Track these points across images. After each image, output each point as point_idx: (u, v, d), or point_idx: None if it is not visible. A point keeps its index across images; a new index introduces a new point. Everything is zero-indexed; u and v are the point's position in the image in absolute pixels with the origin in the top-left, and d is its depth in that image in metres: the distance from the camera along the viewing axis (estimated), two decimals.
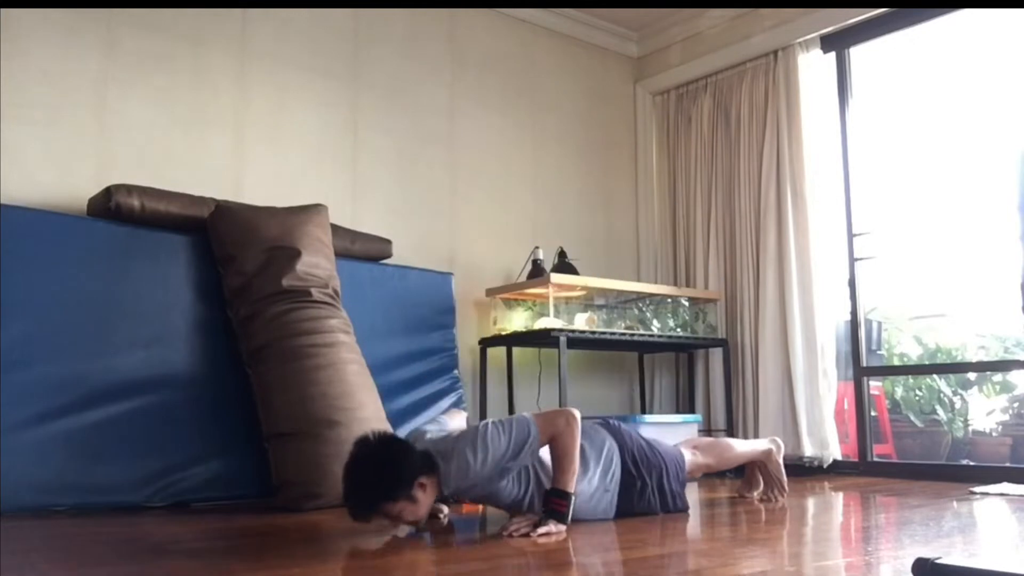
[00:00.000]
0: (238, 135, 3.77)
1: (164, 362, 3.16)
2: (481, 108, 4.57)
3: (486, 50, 4.63)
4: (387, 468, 2.22)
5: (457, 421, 2.80)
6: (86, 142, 3.39)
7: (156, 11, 3.59)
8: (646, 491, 2.66)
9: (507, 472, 2.35)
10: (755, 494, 3.10)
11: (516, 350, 4.37)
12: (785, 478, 3.06)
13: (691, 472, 2.90)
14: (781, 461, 3.07)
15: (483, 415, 4.15)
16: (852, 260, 4.28)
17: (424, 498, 2.27)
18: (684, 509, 2.74)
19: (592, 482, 2.53)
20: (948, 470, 4.13)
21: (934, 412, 5.27)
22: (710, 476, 4.02)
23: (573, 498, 2.33)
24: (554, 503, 2.30)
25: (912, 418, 5.31)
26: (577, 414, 2.39)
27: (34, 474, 2.79)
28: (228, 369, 3.25)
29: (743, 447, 3.11)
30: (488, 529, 2.49)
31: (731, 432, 4.41)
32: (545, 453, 2.44)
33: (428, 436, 2.45)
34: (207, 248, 3.31)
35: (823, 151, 4.37)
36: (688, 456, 2.87)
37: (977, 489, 3.32)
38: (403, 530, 2.35)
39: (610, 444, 2.65)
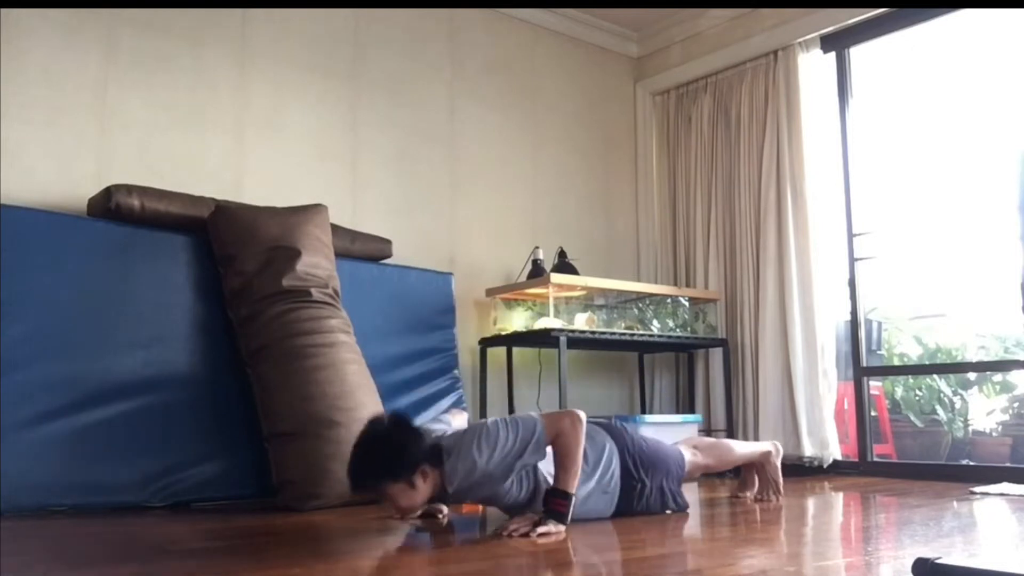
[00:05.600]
0: (238, 135, 3.77)
1: (164, 362, 3.16)
2: (481, 108, 4.57)
3: (486, 50, 4.63)
4: (393, 448, 2.26)
5: (459, 421, 2.80)
6: (86, 142, 3.39)
7: (156, 11, 3.59)
8: (645, 492, 2.66)
9: (511, 471, 2.35)
10: (749, 494, 3.11)
11: (516, 350, 4.37)
12: (781, 480, 3.06)
13: (690, 472, 2.89)
14: (779, 464, 3.08)
15: (483, 415, 4.14)
16: (852, 260, 4.28)
17: (422, 487, 2.30)
18: (683, 508, 2.74)
19: (588, 484, 2.52)
20: (948, 470, 4.13)
21: (934, 412, 5.27)
22: (710, 476, 4.02)
23: (574, 498, 2.33)
24: (555, 503, 2.30)
25: (912, 418, 5.31)
26: (583, 416, 2.39)
27: (34, 474, 2.79)
28: (228, 369, 3.25)
29: (743, 448, 3.13)
30: (488, 529, 2.49)
31: (731, 432, 4.41)
32: (548, 459, 2.43)
33: (434, 435, 2.44)
34: (207, 248, 3.31)
35: (823, 151, 4.37)
36: (688, 456, 2.87)
37: (977, 489, 3.32)
38: (397, 515, 2.40)
39: (610, 446, 2.64)
